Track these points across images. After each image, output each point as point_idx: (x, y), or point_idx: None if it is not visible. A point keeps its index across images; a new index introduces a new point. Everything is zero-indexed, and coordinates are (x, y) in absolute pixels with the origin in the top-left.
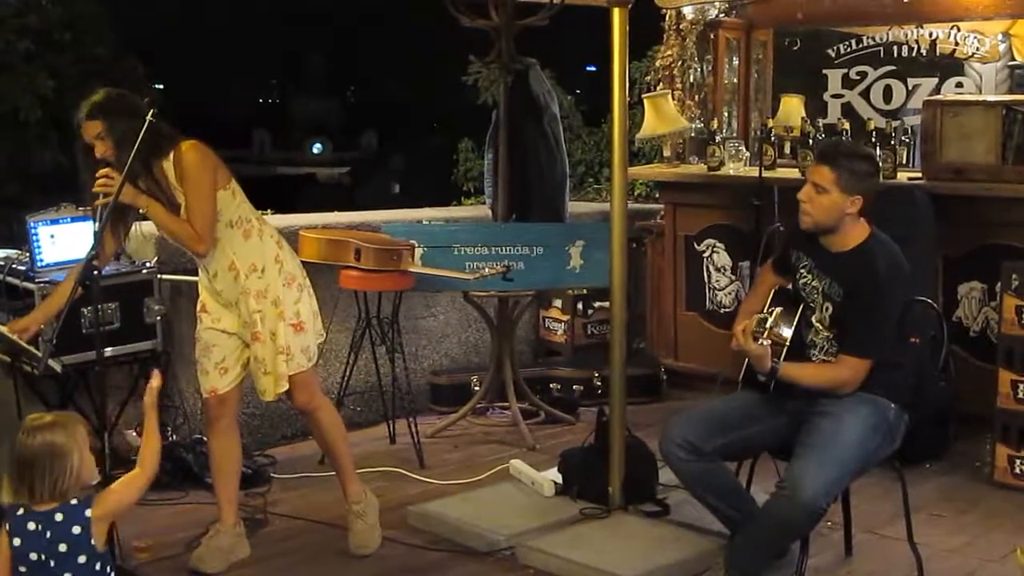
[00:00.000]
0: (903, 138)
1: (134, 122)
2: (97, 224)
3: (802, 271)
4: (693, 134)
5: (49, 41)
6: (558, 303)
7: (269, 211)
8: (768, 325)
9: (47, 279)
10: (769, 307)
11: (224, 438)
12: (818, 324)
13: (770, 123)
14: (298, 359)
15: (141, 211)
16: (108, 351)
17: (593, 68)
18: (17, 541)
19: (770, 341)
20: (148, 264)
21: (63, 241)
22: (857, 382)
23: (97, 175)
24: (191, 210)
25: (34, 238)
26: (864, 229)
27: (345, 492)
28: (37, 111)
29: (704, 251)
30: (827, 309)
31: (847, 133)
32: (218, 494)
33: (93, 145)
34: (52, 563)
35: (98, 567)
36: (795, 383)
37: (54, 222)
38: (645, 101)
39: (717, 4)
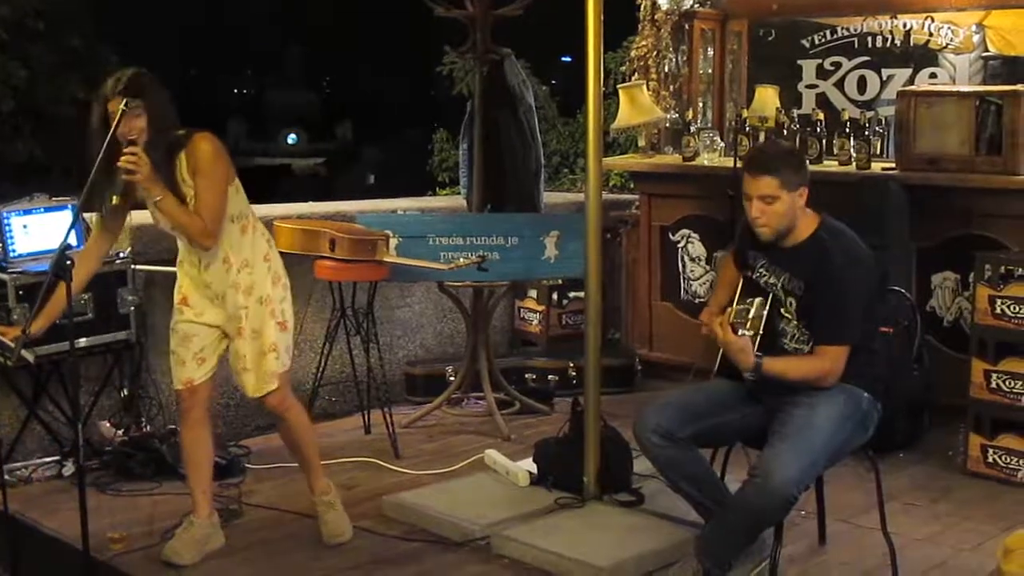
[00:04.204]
0: (877, 129)
1: (169, 106)
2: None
3: (760, 270)
4: (668, 124)
5: (22, 30)
6: (533, 294)
7: None
8: (751, 315)
9: (20, 269)
10: (746, 298)
11: (196, 430)
12: (787, 315)
13: (745, 113)
14: (283, 358)
15: (155, 200)
16: (82, 342)
17: (568, 59)
18: None
19: (752, 332)
20: (122, 254)
21: (36, 231)
22: (839, 370)
23: (124, 151)
24: (202, 202)
25: (7, 228)
26: (812, 218)
27: (313, 488)
28: (10, 101)
29: (679, 241)
30: (791, 304)
31: (822, 123)
32: (191, 485)
33: (117, 122)
34: None
35: None
36: (778, 377)
37: (27, 212)
38: (620, 91)
39: None
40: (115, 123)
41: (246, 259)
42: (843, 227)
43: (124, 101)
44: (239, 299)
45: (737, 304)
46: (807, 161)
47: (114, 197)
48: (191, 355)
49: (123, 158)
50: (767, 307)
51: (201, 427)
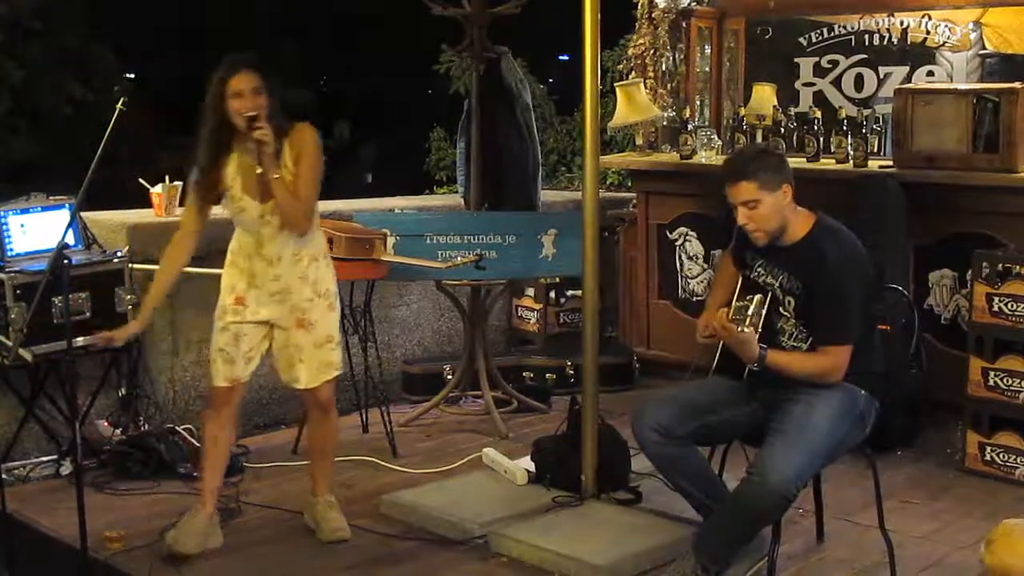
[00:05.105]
0: (874, 126)
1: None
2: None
3: (758, 269)
4: (665, 123)
5: (19, 29)
6: (531, 292)
7: None
8: (750, 312)
9: (17, 269)
10: (746, 295)
11: (225, 427)
12: (785, 313)
13: (742, 111)
14: (340, 352)
15: (273, 176)
16: (79, 341)
17: (565, 57)
18: None
19: (752, 328)
20: (119, 253)
21: (33, 231)
22: (842, 369)
23: (256, 123)
24: (304, 188)
25: (4, 228)
26: (808, 217)
27: (319, 488)
28: (7, 101)
29: (676, 239)
30: (790, 303)
31: (819, 121)
32: (204, 482)
33: (239, 97)
34: None
35: None
36: (781, 371)
37: (24, 211)
38: (617, 90)
39: None
40: (113, 121)
41: (313, 253)
42: (839, 226)
43: (122, 101)
44: (305, 291)
45: (736, 301)
46: (784, 157)
47: (258, 168)
48: (241, 354)
49: (258, 132)
50: (766, 304)
51: (230, 425)
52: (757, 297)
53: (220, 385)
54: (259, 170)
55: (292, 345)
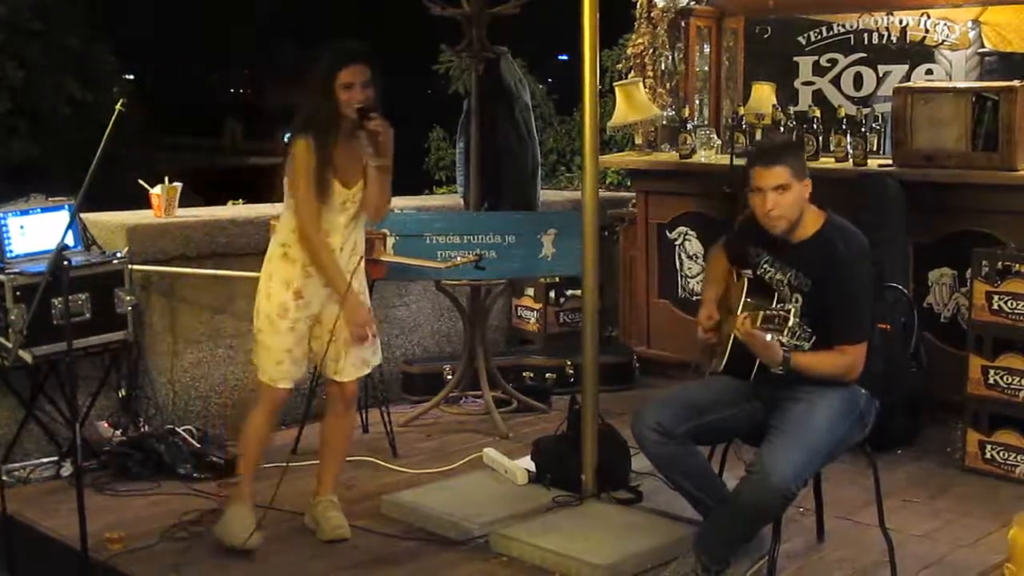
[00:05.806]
0: (874, 125)
1: None
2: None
3: (764, 266)
4: (665, 122)
5: (18, 30)
6: (530, 292)
7: (241, 200)
8: (789, 324)
9: (17, 270)
10: (753, 296)
11: (271, 423)
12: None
13: (741, 111)
14: (378, 348)
15: (378, 164)
16: (79, 342)
17: (565, 57)
18: None
19: (787, 338)
20: (119, 254)
21: (33, 232)
22: (859, 367)
23: (372, 116)
24: (387, 180)
25: (4, 229)
26: (818, 214)
27: (325, 488)
28: (6, 101)
29: (676, 239)
30: (797, 300)
31: (818, 120)
32: (243, 480)
33: (350, 89)
34: None
35: None
36: (803, 372)
37: (24, 213)
38: (616, 89)
39: None
40: (113, 122)
41: (362, 251)
42: (848, 224)
43: (121, 102)
44: (354, 284)
45: (767, 310)
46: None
47: (375, 161)
48: (303, 353)
49: (374, 123)
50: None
51: (273, 422)
52: (792, 307)
53: (285, 387)
54: (376, 163)
55: (340, 339)
